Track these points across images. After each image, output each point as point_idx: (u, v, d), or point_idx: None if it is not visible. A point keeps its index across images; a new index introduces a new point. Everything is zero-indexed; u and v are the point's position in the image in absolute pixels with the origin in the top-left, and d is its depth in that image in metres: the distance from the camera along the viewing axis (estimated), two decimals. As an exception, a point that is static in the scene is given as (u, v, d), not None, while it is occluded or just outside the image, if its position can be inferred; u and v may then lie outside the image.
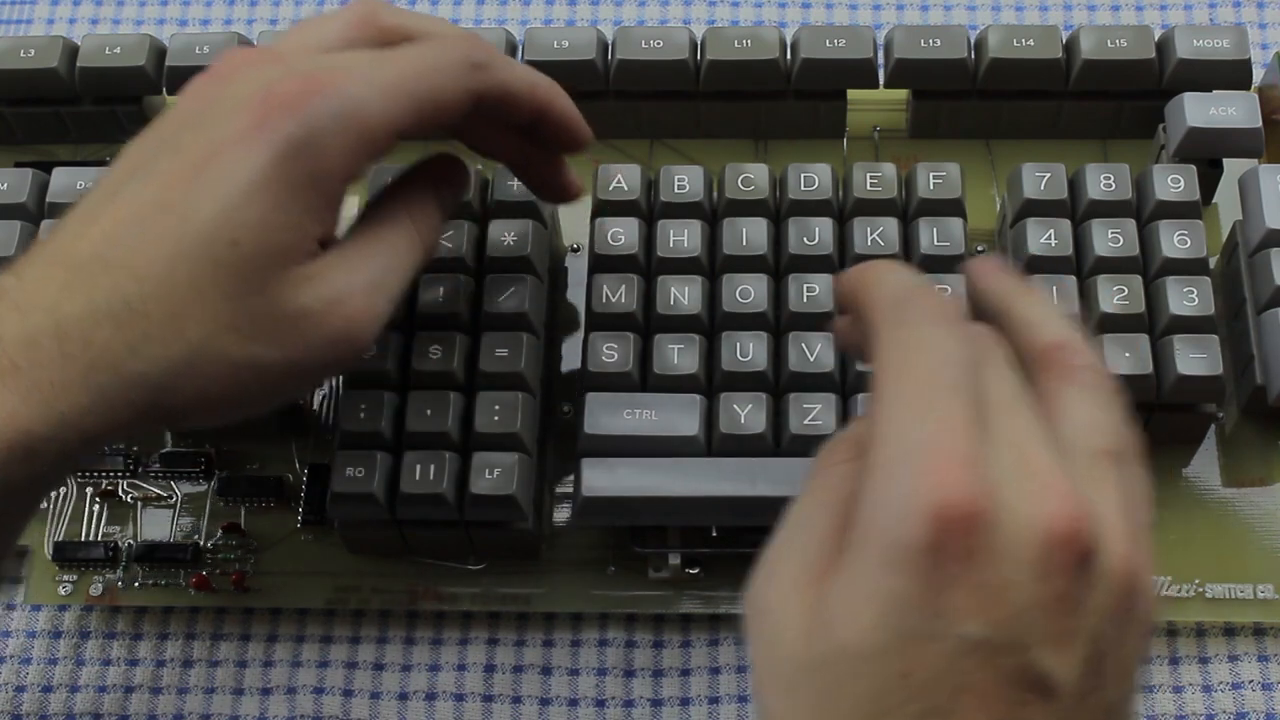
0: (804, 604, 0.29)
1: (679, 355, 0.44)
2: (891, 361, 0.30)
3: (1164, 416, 0.45)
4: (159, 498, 0.47)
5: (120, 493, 0.47)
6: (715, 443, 0.43)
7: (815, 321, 0.44)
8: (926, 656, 0.27)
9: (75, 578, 0.46)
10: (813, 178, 0.46)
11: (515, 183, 0.47)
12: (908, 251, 0.46)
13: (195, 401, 0.34)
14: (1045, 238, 0.45)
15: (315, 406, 0.48)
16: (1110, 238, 0.45)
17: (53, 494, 0.47)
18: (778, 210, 0.47)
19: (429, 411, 0.43)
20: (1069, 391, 0.31)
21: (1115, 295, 0.44)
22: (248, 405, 0.35)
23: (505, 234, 0.46)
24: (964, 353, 0.30)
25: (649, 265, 0.46)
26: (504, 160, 0.42)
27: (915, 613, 0.27)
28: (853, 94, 0.51)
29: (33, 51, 0.50)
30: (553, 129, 0.40)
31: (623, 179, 0.47)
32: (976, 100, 0.50)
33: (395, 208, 0.39)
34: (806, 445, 0.43)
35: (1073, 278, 0.45)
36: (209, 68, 0.37)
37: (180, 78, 0.49)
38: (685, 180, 0.47)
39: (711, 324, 0.45)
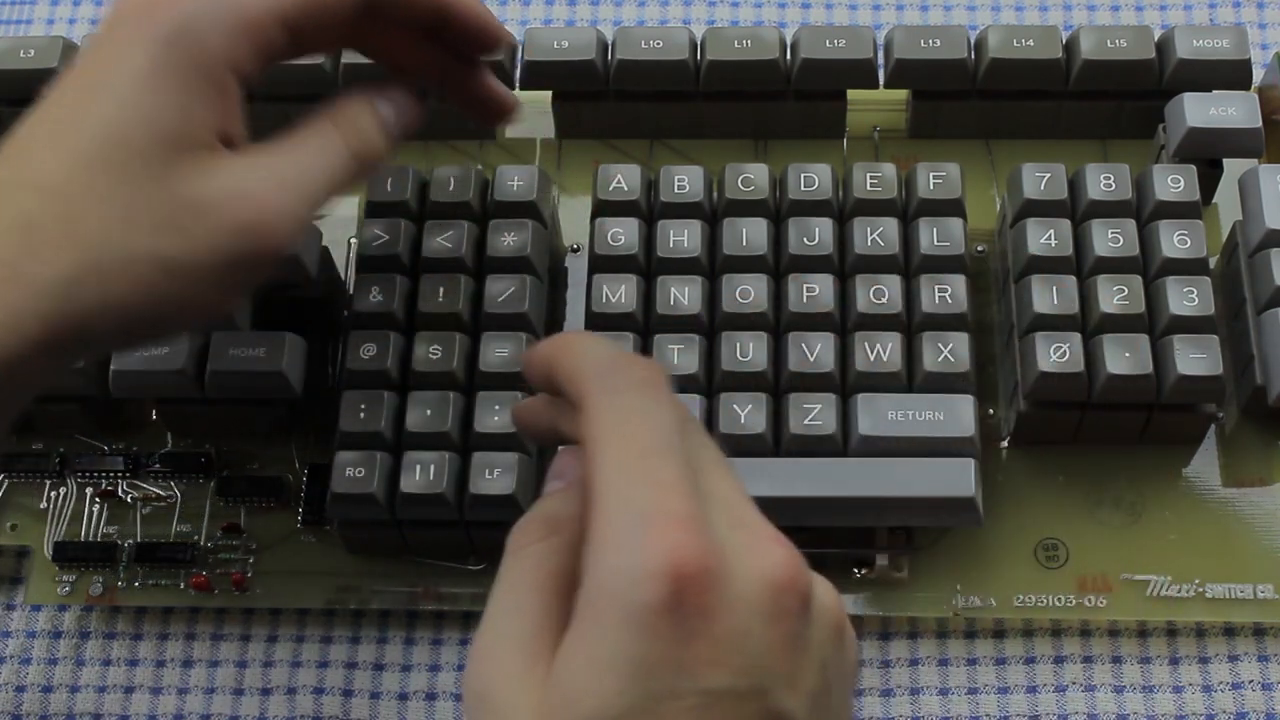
0: (531, 683, 0.29)
1: (679, 355, 0.44)
2: (605, 429, 0.31)
3: (1164, 416, 0.45)
4: (159, 498, 0.47)
5: (120, 493, 0.47)
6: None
7: (815, 322, 0.44)
8: (675, 713, 0.28)
9: (75, 578, 0.46)
10: (813, 178, 0.46)
11: (515, 182, 0.47)
12: (908, 251, 0.46)
13: (103, 307, 0.33)
14: (1045, 238, 0.45)
15: (315, 406, 0.48)
16: (1110, 238, 0.45)
17: (53, 494, 0.47)
18: (778, 210, 0.47)
19: (429, 411, 0.43)
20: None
21: (1115, 295, 0.44)
22: (162, 313, 0.34)
23: (505, 234, 0.46)
24: (674, 417, 0.31)
25: (649, 265, 0.46)
26: (421, 73, 0.41)
27: (660, 672, 0.28)
28: (853, 94, 0.51)
29: (33, 51, 0.50)
30: (460, 29, 0.39)
31: (623, 179, 0.47)
32: (976, 100, 0.50)
33: (318, 116, 0.38)
34: (806, 445, 0.43)
35: (1073, 278, 0.45)
36: None
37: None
38: (685, 180, 0.47)
39: (711, 324, 0.45)
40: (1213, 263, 0.49)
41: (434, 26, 0.40)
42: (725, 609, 0.28)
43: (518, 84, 0.50)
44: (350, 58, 0.49)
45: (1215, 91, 0.48)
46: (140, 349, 0.44)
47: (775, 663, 0.29)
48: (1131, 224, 0.45)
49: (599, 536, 0.29)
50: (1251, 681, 0.44)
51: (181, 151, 0.34)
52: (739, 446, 0.43)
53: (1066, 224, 0.46)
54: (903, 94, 0.52)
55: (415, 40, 0.40)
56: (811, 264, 0.45)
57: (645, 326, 0.45)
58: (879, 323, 0.44)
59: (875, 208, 0.46)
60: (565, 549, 0.31)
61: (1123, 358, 0.43)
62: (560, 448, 0.35)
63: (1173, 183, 0.46)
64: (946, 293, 0.44)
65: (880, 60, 0.50)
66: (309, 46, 0.38)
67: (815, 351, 0.44)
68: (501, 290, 0.45)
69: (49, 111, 0.35)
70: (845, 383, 0.44)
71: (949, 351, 0.44)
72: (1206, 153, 0.48)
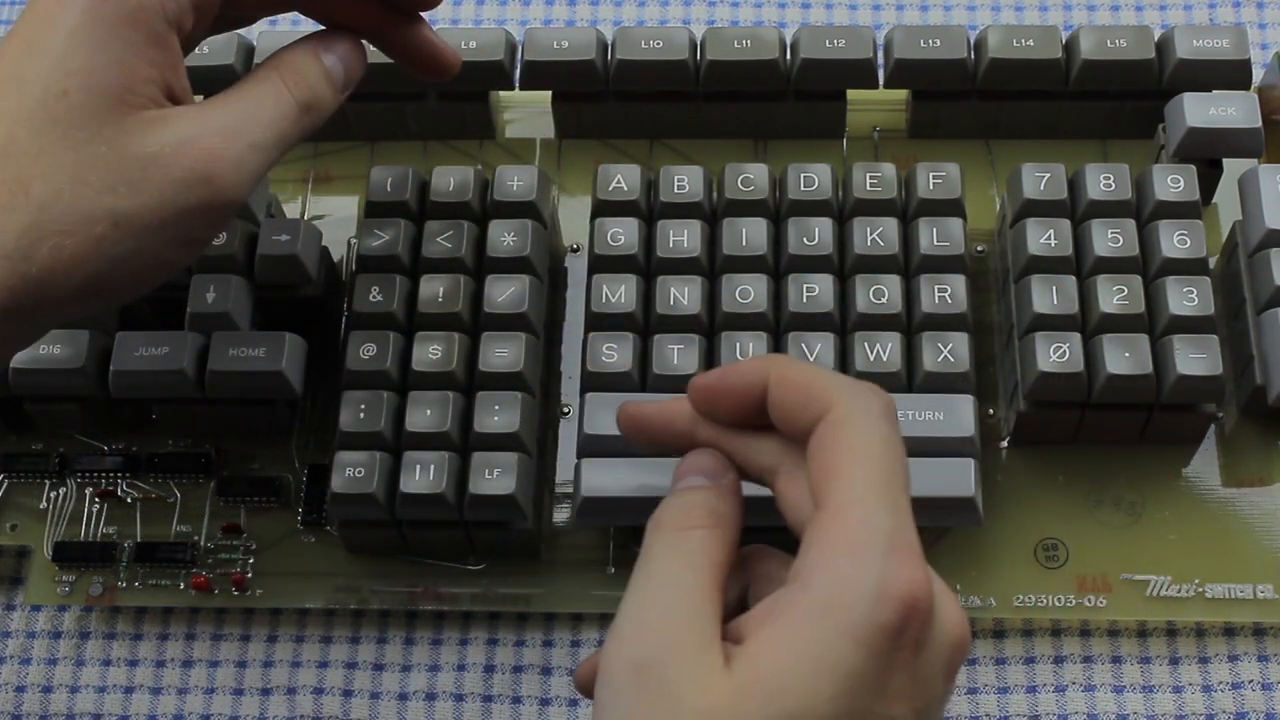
0: (709, 665, 0.29)
1: (679, 355, 0.44)
2: (854, 447, 0.31)
3: (1164, 416, 0.45)
4: (159, 498, 0.47)
5: (120, 493, 0.47)
6: (715, 443, 0.43)
7: (815, 322, 0.44)
8: None
9: (75, 578, 0.46)
10: (812, 178, 0.46)
11: (515, 182, 0.47)
12: (908, 251, 0.46)
13: (56, 267, 0.33)
14: (1045, 238, 0.45)
15: (315, 406, 0.48)
16: (1110, 238, 0.45)
17: (53, 494, 0.47)
18: (777, 210, 0.47)
19: (429, 411, 0.43)
20: None
21: (1115, 295, 0.44)
22: (122, 271, 0.34)
23: (505, 234, 0.46)
24: (903, 448, 0.32)
25: (649, 265, 0.46)
26: (359, 29, 0.41)
27: (867, 690, 0.29)
28: (852, 94, 0.51)
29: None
30: None
31: (623, 179, 0.47)
32: (976, 100, 0.50)
33: (264, 67, 0.38)
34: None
35: (1073, 278, 0.45)
36: None
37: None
38: (685, 180, 0.47)
39: (711, 324, 0.45)
40: (1212, 263, 0.49)
41: None
42: (928, 648, 0.30)
43: (517, 84, 0.50)
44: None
45: (1215, 91, 0.48)
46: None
47: (940, 711, 0.31)
48: (1131, 224, 0.45)
49: (836, 544, 0.30)
50: (1251, 681, 0.44)
51: (125, 106, 0.34)
52: (739, 446, 0.43)
53: (1066, 224, 0.46)
54: (903, 94, 0.52)
55: None
56: (811, 264, 0.45)
57: (645, 326, 0.45)
58: (879, 323, 0.44)
59: (875, 208, 0.46)
60: (726, 544, 0.32)
61: (1123, 358, 0.43)
62: (695, 450, 0.35)
63: (1172, 183, 0.46)
64: (946, 293, 0.44)
65: (880, 60, 0.50)
66: (249, 4, 0.38)
67: (815, 352, 0.44)
68: (501, 290, 0.45)
69: None
70: (845, 383, 0.44)
71: (949, 351, 0.44)
72: (1206, 153, 0.48)
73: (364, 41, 0.41)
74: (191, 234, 0.35)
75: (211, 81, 0.47)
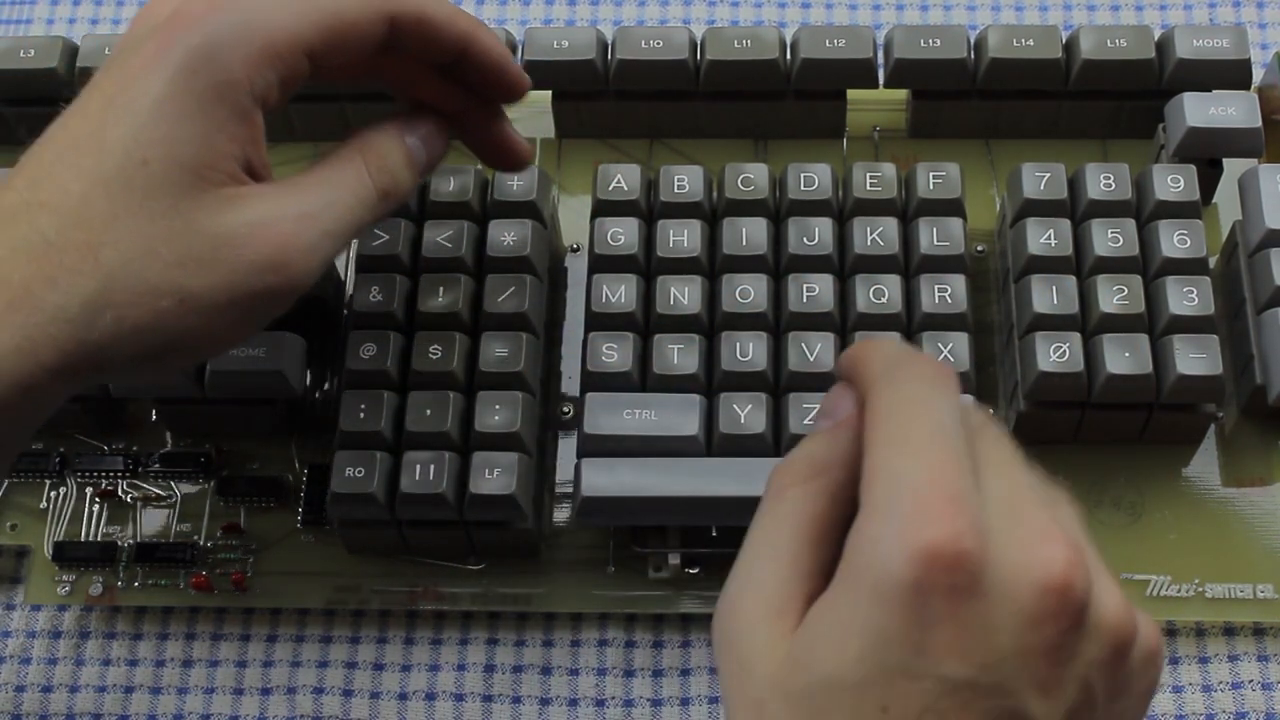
0: (775, 633, 0.29)
1: (679, 355, 0.44)
2: (884, 412, 0.31)
3: (1164, 416, 0.45)
4: (159, 498, 0.47)
5: (120, 493, 0.47)
6: (715, 443, 0.43)
7: (815, 322, 0.44)
8: (907, 693, 0.28)
9: (75, 578, 0.46)
10: (812, 178, 0.46)
11: (515, 182, 0.47)
12: (908, 251, 0.46)
13: (118, 336, 0.33)
14: (1045, 238, 0.45)
15: (315, 406, 0.48)
16: (1110, 238, 0.45)
17: (53, 494, 0.47)
18: (777, 210, 0.47)
19: (429, 411, 0.43)
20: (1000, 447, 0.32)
21: (1115, 295, 0.44)
22: (180, 343, 0.34)
23: (505, 234, 0.46)
24: (954, 408, 0.30)
25: (649, 265, 0.46)
26: (438, 110, 0.41)
27: (898, 648, 0.28)
28: (852, 94, 0.51)
29: (33, 51, 0.50)
30: (480, 70, 0.39)
31: (623, 179, 0.47)
32: (976, 100, 0.50)
33: (348, 148, 0.38)
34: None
35: (1073, 277, 0.45)
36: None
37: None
38: (685, 180, 0.47)
39: (711, 324, 0.45)
40: (1212, 263, 0.49)
41: (455, 64, 0.39)
42: (976, 598, 0.28)
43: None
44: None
45: (1215, 91, 0.48)
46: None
47: (1028, 666, 0.28)
48: (1131, 224, 0.45)
49: (866, 506, 0.29)
50: (1251, 681, 0.44)
51: (204, 182, 0.34)
52: (739, 446, 0.43)
53: (1066, 224, 0.46)
54: (903, 94, 0.52)
55: (435, 76, 0.40)
56: (811, 264, 0.45)
57: (645, 326, 0.45)
58: (879, 322, 0.44)
59: (875, 207, 0.46)
60: (826, 493, 0.31)
61: (1122, 357, 0.43)
62: (836, 386, 0.34)
63: (1172, 182, 0.46)
64: (946, 293, 0.44)
65: (880, 60, 0.50)
66: (330, 75, 0.37)
67: (815, 351, 0.44)
68: (501, 290, 0.45)
69: (69, 129, 0.34)
70: (845, 383, 0.44)
71: (949, 351, 0.44)
72: (1206, 153, 0.48)
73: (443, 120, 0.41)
74: (254, 315, 0.35)
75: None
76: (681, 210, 0.46)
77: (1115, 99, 0.50)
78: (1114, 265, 0.45)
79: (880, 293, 0.44)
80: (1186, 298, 0.44)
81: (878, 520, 0.29)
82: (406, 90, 0.41)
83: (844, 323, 0.45)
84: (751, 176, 0.47)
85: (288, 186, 0.36)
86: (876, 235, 0.46)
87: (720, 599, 0.31)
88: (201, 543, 0.47)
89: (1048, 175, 0.46)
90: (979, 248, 0.49)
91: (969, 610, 0.28)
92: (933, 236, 0.45)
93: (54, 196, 0.33)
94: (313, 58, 0.36)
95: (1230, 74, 0.48)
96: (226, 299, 0.34)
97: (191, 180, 0.33)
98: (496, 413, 0.43)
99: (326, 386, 0.48)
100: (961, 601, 0.28)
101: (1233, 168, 0.48)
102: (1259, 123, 0.47)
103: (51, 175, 0.33)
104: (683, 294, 0.45)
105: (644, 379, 0.44)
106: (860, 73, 0.49)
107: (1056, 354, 0.43)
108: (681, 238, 0.46)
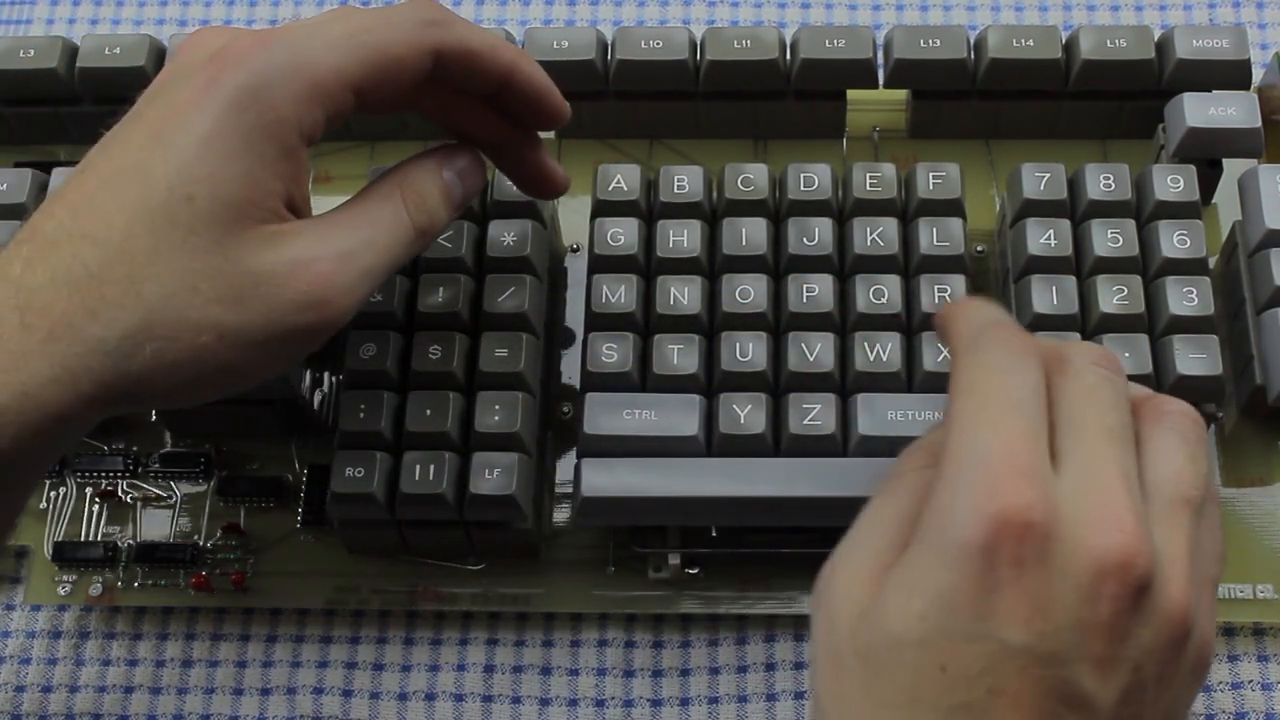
0: (864, 595, 0.31)
1: (679, 355, 0.44)
2: (965, 382, 0.32)
3: (1164, 416, 0.44)
4: (159, 498, 0.47)
5: (120, 493, 0.47)
6: (715, 443, 0.43)
7: (815, 322, 0.44)
8: (966, 653, 0.29)
9: (75, 578, 0.46)
10: (812, 178, 0.46)
11: (515, 183, 0.47)
12: (907, 252, 0.46)
13: (156, 369, 0.33)
14: (1045, 238, 0.45)
15: (315, 406, 0.48)
16: (1110, 238, 0.45)
17: (53, 494, 0.47)
18: (777, 210, 0.47)
19: (429, 411, 0.43)
20: (1159, 435, 0.33)
21: (1115, 295, 0.44)
22: (216, 377, 0.34)
23: (505, 234, 0.46)
24: (1034, 379, 0.32)
25: (649, 265, 0.46)
26: (478, 139, 0.41)
27: (961, 610, 0.29)
28: (852, 94, 0.51)
29: (33, 51, 0.50)
30: (522, 99, 0.39)
31: (622, 179, 0.47)
32: (976, 100, 0.50)
33: (387, 183, 0.38)
34: (806, 445, 0.43)
35: (1072, 278, 0.45)
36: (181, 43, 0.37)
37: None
38: (685, 180, 0.47)
39: (711, 324, 0.45)
40: (1212, 263, 0.49)
41: (497, 94, 0.39)
42: (1041, 568, 0.29)
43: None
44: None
45: (1215, 91, 0.48)
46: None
47: (1085, 641, 0.29)
48: (1131, 224, 0.45)
49: (941, 475, 0.30)
50: (1251, 681, 0.44)
51: (247, 219, 0.34)
52: (739, 447, 0.43)
53: (1066, 224, 0.46)
54: (902, 94, 0.52)
55: (475, 105, 0.40)
56: (811, 264, 0.45)
57: (645, 326, 0.45)
58: (879, 323, 0.44)
59: (875, 208, 0.46)
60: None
61: (1122, 358, 0.43)
62: None
63: (1172, 183, 0.46)
64: (946, 293, 0.44)
65: (880, 60, 0.50)
66: (373, 109, 0.38)
67: (815, 351, 0.44)
68: (501, 290, 0.45)
69: (112, 158, 0.34)
70: (845, 383, 0.44)
71: (949, 352, 0.44)
72: (1206, 153, 0.48)
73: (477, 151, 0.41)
74: (290, 351, 0.35)
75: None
76: (681, 210, 0.46)
77: (1115, 99, 0.50)
78: (1114, 265, 0.45)
79: (880, 293, 0.44)
80: (1186, 298, 0.44)
81: (952, 488, 0.30)
82: (446, 119, 0.41)
83: (844, 323, 0.45)
84: (751, 177, 0.47)
85: (327, 224, 0.36)
86: (876, 235, 0.46)
87: (825, 563, 0.32)
88: (201, 543, 0.47)
89: (1047, 175, 0.46)
90: (979, 248, 0.49)
91: (1032, 579, 0.29)
92: (932, 237, 0.45)
93: (97, 228, 0.33)
94: (359, 94, 0.36)
95: (1230, 74, 0.48)
96: (264, 335, 0.34)
97: (235, 217, 0.34)
98: (496, 413, 0.43)
99: (326, 387, 0.48)
100: (1026, 571, 0.29)
101: (1232, 168, 0.48)
102: (1259, 123, 0.47)
103: (93, 205, 0.33)
104: (682, 294, 0.45)
105: (644, 379, 0.44)
106: (860, 73, 0.49)
107: (1056, 354, 0.43)
108: (681, 238, 0.46)
